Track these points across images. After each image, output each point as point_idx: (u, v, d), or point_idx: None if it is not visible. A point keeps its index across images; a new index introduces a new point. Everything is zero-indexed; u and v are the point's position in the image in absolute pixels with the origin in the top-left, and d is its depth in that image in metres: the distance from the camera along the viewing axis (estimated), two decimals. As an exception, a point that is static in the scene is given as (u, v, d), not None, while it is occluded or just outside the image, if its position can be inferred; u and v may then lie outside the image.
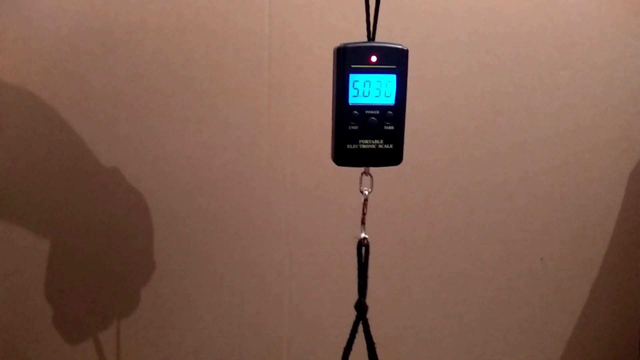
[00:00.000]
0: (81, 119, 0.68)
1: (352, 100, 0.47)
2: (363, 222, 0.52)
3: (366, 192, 0.51)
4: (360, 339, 0.51)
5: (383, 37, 0.74)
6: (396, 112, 0.47)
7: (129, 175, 0.70)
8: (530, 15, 0.73)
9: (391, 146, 0.48)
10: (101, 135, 0.69)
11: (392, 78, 0.47)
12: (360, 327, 0.51)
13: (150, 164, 0.70)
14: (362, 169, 0.50)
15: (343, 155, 0.47)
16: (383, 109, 0.47)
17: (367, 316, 0.51)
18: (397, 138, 0.48)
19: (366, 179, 0.51)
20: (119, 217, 0.71)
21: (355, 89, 0.46)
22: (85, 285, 0.72)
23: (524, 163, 0.77)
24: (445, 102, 0.74)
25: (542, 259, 0.80)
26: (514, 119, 0.75)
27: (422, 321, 0.80)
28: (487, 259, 0.79)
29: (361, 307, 0.51)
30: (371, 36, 0.48)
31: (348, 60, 0.46)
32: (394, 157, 0.49)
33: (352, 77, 0.46)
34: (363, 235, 0.51)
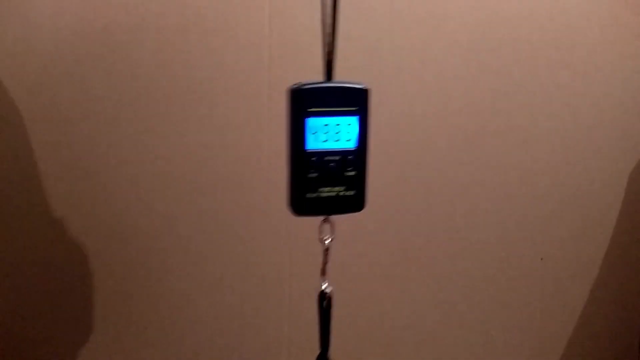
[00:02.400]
0: (81, 119, 0.68)
1: (310, 145, 0.43)
2: (323, 273, 0.48)
3: (327, 241, 0.48)
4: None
5: (383, 38, 0.74)
6: (358, 156, 0.44)
7: (129, 175, 0.70)
8: (530, 15, 0.73)
9: (353, 192, 0.45)
10: (101, 135, 0.69)
11: (354, 120, 0.43)
12: None
13: (150, 164, 0.70)
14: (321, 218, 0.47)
15: (302, 205, 0.44)
16: (344, 153, 0.44)
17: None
18: (359, 184, 0.45)
19: (326, 226, 0.47)
20: (119, 217, 0.71)
21: (313, 133, 0.42)
22: (85, 285, 0.72)
23: (524, 163, 0.77)
24: (445, 102, 0.74)
25: (542, 259, 0.80)
26: (514, 119, 0.75)
27: (422, 321, 0.80)
28: (487, 259, 0.79)
29: None
30: (329, 75, 0.44)
31: (304, 103, 0.42)
32: (355, 203, 0.46)
33: (310, 122, 0.42)
34: (324, 286, 0.48)
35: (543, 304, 0.81)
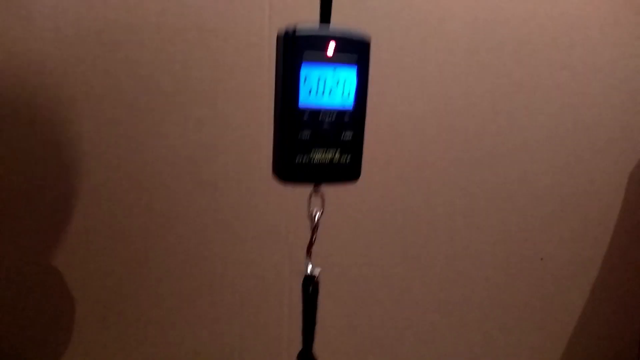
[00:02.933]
0: (81, 119, 0.68)
1: (304, 101, 0.37)
2: (309, 253, 0.42)
3: (317, 215, 0.42)
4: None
5: (383, 38, 0.74)
6: (355, 117, 0.39)
7: (129, 175, 0.70)
8: (530, 15, 0.73)
9: (348, 159, 0.39)
10: (101, 135, 0.68)
11: (352, 74, 0.38)
12: None
13: (150, 164, 0.70)
14: (309, 188, 0.41)
15: (291, 170, 0.38)
16: (340, 113, 0.38)
17: None
18: (355, 149, 0.39)
19: (316, 199, 0.41)
20: (119, 217, 0.71)
21: (307, 86, 0.37)
22: (85, 285, 0.72)
23: (524, 163, 0.77)
24: (445, 102, 0.74)
25: (542, 259, 0.80)
26: (514, 119, 0.75)
27: (422, 321, 0.79)
28: (487, 259, 0.79)
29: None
30: (326, 18, 0.38)
31: (299, 48, 0.36)
32: (351, 171, 0.40)
33: (304, 72, 0.36)
34: (309, 269, 0.41)
35: (543, 304, 0.81)
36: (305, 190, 0.73)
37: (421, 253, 0.77)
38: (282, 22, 0.70)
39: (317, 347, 0.81)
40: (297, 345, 0.80)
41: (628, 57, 0.76)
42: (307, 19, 0.71)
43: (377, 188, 0.74)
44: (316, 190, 0.41)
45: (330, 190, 0.73)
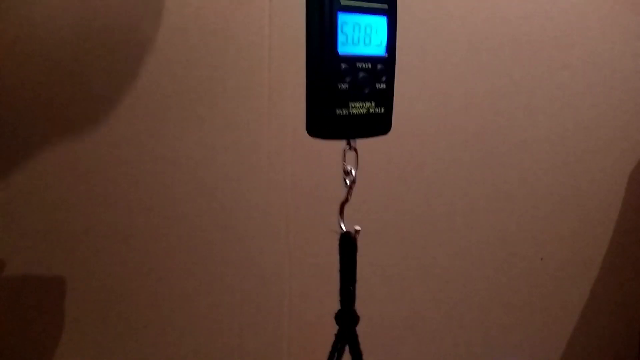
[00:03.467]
0: (81, 119, 0.68)
1: (342, 49, 0.36)
2: (342, 211, 0.41)
3: (353, 172, 0.41)
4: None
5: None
6: (388, 66, 0.39)
7: (129, 175, 0.70)
8: (530, 15, 0.73)
9: (382, 110, 0.39)
10: (101, 135, 0.68)
11: (383, 21, 0.38)
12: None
13: (150, 164, 0.70)
14: (342, 144, 0.39)
15: (331, 125, 0.37)
16: (374, 61, 0.37)
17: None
18: (388, 99, 0.39)
19: (350, 155, 0.40)
20: (119, 217, 0.71)
21: (344, 33, 0.35)
22: (85, 285, 0.72)
23: (524, 163, 0.77)
24: (445, 102, 0.74)
25: (542, 259, 0.80)
26: (514, 119, 0.75)
27: (422, 321, 0.79)
28: (487, 259, 0.79)
29: (352, 320, 0.39)
30: None
31: None
32: (384, 124, 0.40)
33: (341, 18, 0.35)
34: (343, 227, 0.39)
35: (543, 304, 0.81)
36: (307, 189, 0.73)
37: (421, 253, 0.77)
38: (282, 22, 0.70)
39: (317, 347, 0.81)
40: (297, 346, 0.80)
41: (628, 57, 0.76)
42: (304, 22, 0.71)
43: (377, 188, 0.74)
44: (351, 146, 0.40)
45: (330, 191, 0.73)
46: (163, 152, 0.70)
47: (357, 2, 0.36)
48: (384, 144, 0.73)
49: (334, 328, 0.77)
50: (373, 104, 0.38)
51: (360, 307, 0.77)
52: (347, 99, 0.36)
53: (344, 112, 0.37)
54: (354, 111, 0.37)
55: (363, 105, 0.37)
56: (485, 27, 0.72)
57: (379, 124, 0.39)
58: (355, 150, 0.40)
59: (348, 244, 0.42)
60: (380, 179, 0.74)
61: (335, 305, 0.77)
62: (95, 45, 0.67)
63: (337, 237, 0.41)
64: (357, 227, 0.42)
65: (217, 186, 0.72)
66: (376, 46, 0.37)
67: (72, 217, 0.70)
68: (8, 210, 0.68)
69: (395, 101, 0.74)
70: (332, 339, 0.79)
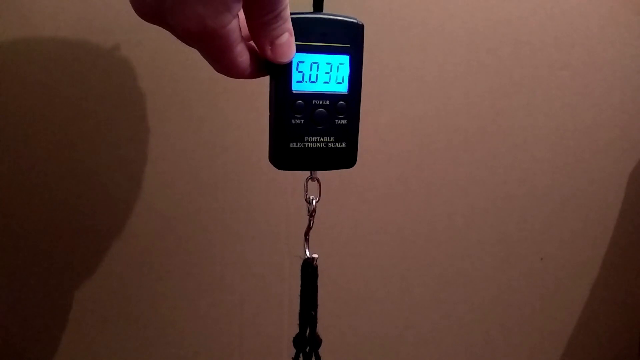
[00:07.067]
0: (81, 119, 0.68)
1: (296, 86, 0.37)
2: (307, 237, 0.43)
3: (314, 201, 0.43)
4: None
5: (383, 38, 0.74)
6: (350, 103, 0.39)
7: (129, 175, 0.70)
8: (530, 15, 0.73)
9: (343, 145, 0.40)
10: (101, 135, 0.68)
11: (345, 60, 0.38)
12: None
13: (150, 164, 0.70)
14: (306, 174, 0.42)
15: (285, 156, 0.39)
16: (334, 98, 0.38)
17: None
18: (350, 135, 0.40)
19: (312, 185, 0.42)
20: (119, 217, 0.71)
21: (300, 72, 0.37)
22: (85, 285, 0.72)
23: (524, 163, 0.77)
24: (445, 102, 0.74)
25: (542, 259, 0.80)
26: (514, 119, 0.75)
27: (422, 321, 0.79)
28: (487, 259, 0.79)
29: (314, 343, 0.41)
30: (319, 5, 0.38)
31: None
32: (346, 157, 0.40)
33: (297, 57, 0.37)
34: (307, 253, 0.42)
35: (543, 304, 0.81)
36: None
37: (421, 253, 0.77)
38: (282, 22, 0.70)
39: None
40: (297, 345, 0.80)
41: (628, 57, 0.76)
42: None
43: (377, 188, 0.74)
44: (312, 176, 0.42)
45: (330, 191, 0.73)
46: (163, 152, 0.70)
47: (315, 43, 0.37)
48: (383, 144, 0.73)
49: (334, 328, 0.77)
50: (332, 139, 0.39)
51: (360, 306, 0.77)
52: (303, 133, 0.38)
53: (299, 145, 0.39)
54: (310, 145, 0.39)
55: (321, 140, 0.39)
56: (485, 27, 0.72)
57: (341, 157, 0.40)
58: (318, 181, 0.42)
59: (309, 270, 0.43)
60: (380, 178, 0.74)
61: (335, 304, 0.77)
62: (95, 45, 0.67)
63: (300, 263, 0.42)
64: (315, 255, 0.43)
65: (217, 186, 0.72)
66: (337, 84, 0.38)
67: (72, 217, 0.70)
68: (8, 210, 0.68)
69: (396, 101, 0.74)
70: (331, 338, 0.79)
